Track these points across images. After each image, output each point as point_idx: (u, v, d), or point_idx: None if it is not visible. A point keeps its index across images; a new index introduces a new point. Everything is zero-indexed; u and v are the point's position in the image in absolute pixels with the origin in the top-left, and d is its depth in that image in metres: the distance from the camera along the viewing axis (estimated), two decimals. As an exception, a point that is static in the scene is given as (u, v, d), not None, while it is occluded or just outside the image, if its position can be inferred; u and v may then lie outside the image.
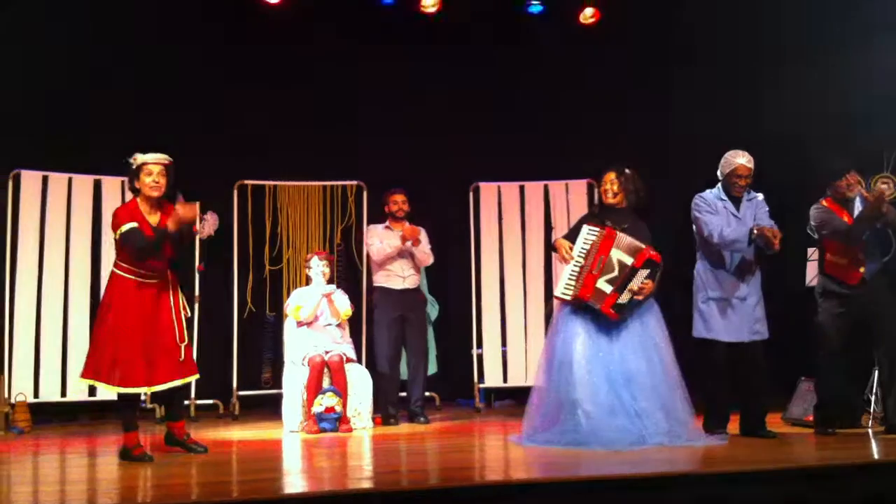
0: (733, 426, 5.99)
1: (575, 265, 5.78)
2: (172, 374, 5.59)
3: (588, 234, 5.81)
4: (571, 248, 5.81)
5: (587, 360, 5.66)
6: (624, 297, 5.68)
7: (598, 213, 6.02)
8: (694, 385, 5.86)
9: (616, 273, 5.68)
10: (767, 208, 6.03)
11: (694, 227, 6.04)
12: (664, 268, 5.80)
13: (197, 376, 5.86)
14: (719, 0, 8.32)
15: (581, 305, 5.78)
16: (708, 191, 6.07)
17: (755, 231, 5.78)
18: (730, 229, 5.85)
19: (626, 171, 5.91)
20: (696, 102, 8.44)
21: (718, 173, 6.07)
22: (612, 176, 5.91)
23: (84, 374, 5.56)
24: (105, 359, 5.45)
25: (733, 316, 5.91)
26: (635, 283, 5.68)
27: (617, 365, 5.65)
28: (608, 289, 5.68)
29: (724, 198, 6.01)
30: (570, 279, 5.79)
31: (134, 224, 5.48)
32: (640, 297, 5.71)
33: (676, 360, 5.77)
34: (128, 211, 5.60)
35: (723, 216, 5.94)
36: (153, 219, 5.58)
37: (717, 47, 8.49)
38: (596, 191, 6.26)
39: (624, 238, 5.73)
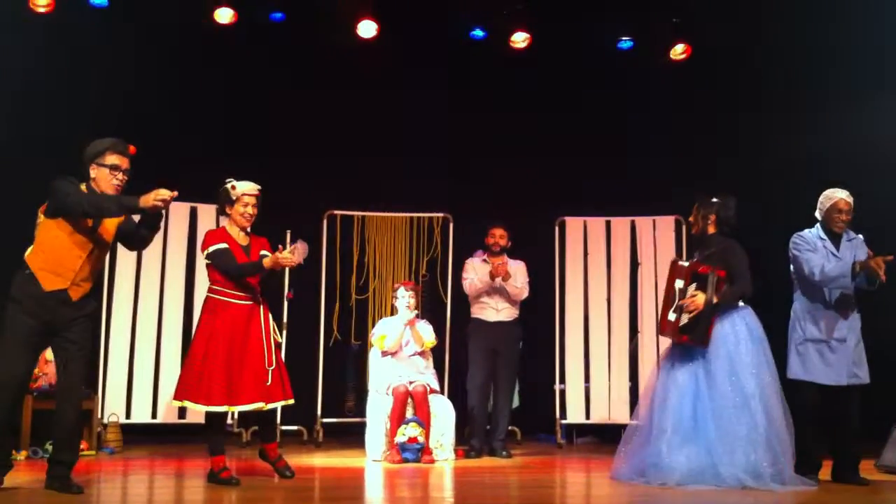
0: (825, 472, 5.82)
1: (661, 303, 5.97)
2: (256, 397, 5.60)
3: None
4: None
5: (678, 393, 5.65)
6: (683, 319, 5.70)
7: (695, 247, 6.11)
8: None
9: (678, 300, 5.75)
10: (867, 250, 5.85)
11: (792, 266, 5.90)
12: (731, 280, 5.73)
13: (288, 402, 5.82)
14: (811, 35, 8.23)
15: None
16: (807, 230, 5.94)
17: (858, 265, 5.63)
18: (830, 265, 5.70)
19: (702, 199, 5.94)
20: (784, 139, 8.31)
21: (817, 212, 5.94)
22: (694, 207, 6.00)
23: (175, 396, 5.67)
24: (193, 378, 5.56)
25: (832, 358, 5.75)
26: (686, 300, 5.70)
27: (705, 398, 5.59)
28: (673, 317, 5.73)
29: (824, 237, 5.86)
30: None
31: (224, 245, 5.64)
32: (691, 310, 5.67)
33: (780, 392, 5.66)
34: (217, 233, 5.77)
35: (822, 254, 5.79)
36: (242, 241, 5.73)
37: (808, 82, 8.40)
38: None
39: (681, 265, 5.81)
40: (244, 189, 5.71)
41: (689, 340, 5.68)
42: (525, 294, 7.57)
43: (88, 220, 5.01)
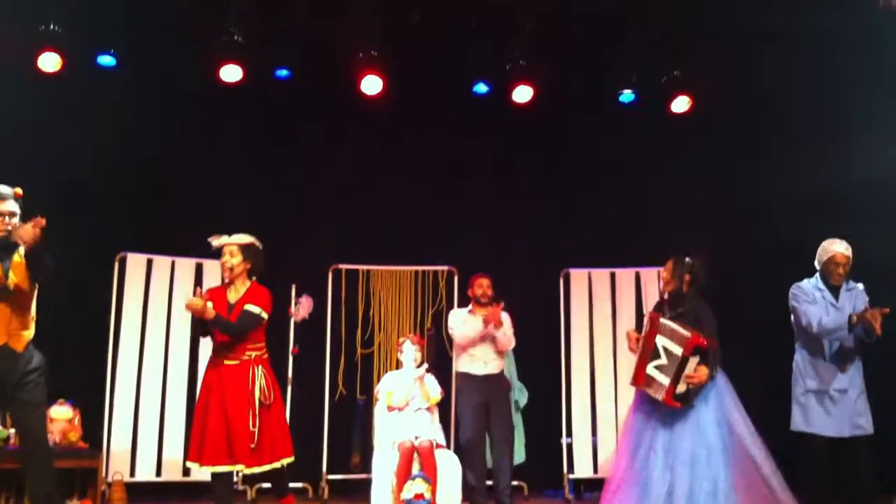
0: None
1: (638, 353, 5.97)
2: (238, 459, 5.53)
3: (645, 323, 6.01)
4: (639, 339, 5.97)
5: (648, 447, 5.78)
6: (681, 387, 5.74)
7: (661, 303, 6.17)
8: (793, 481, 5.69)
9: (665, 361, 5.77)
10: (867, 298, 5.86)
11: (792, 316, 5.92)
12: (718, 353, 5.80)
13: (275, 465, 5.78)
14: (809, 84, 8.30)
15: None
16: (806, 280, 5.96)
17: (854, 317, 5.63)
18: (828, 318, 5.71)
19: (677, 258, 6.02)
20: (790, 192, 8.33)
21: (816, 262, 5.95)
22: (667, 265, 6.09)
23: (188, 457, 5.70)
24: (194, 440, 5.61)
25: (833, 409, 5.74)
26: (689, 371, 5.73)
27: (677, 450, 5.71)
28: (664, 379, 5.74)
29: (822, 287, 5.88)
30: (635, 367, 5.96)
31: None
32: (696, 384, 5.73)
33: (756, 440, 5.69)
34: (211, 292, 5.82)
35: (821, 306, 5.80)
36: (233, 298, 5.72)
37: (813, 132, 8.44)
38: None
39: (667, 325, 5.81)
40: (218, 242, 5.78)
41: (681, 406, 5.76)
42: (512, 344, 7.49)
43: None
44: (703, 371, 5.71)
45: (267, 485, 6.55)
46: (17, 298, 5.02)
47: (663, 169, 8.89)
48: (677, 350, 5.73)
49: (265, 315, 5.74)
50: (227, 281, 5.79)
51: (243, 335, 5.65)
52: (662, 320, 5.87)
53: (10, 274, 4.98)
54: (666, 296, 6.15)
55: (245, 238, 5.78)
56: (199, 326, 5.68)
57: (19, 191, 5.15)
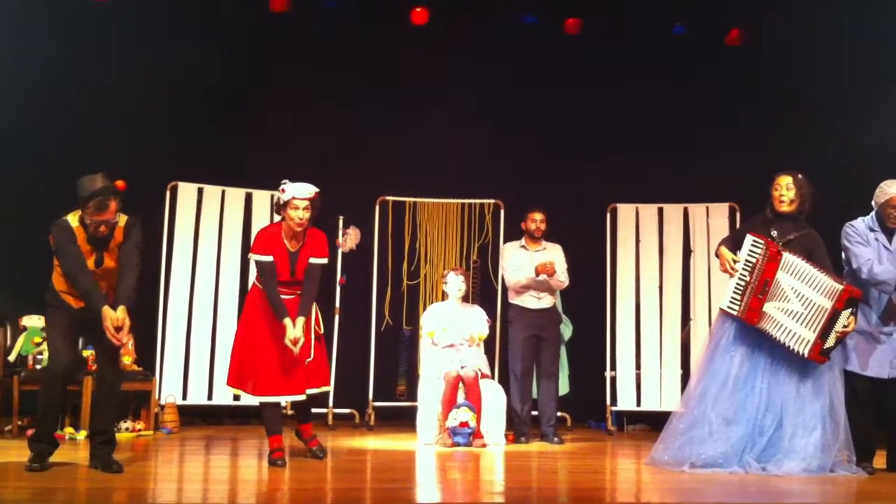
0: (880, 461, 5.76)
1: (740, 280, 5.55)
2: (296, 388, 5.65)
3: (752, 246, 5.54)
4: (735, 261, 5.60)
5: (742, 379, 5.57)
6: (830, 341, 5.43)
7: (766, 221, 5.71)
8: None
9: (799, 308, 5.41)
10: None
11: (843, 255, 5.81)
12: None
13: (323, 389, 5.91)
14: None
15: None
16: (860, 219, 5.78)
17: None
18: (881, 268, 5.54)
19: (800, 175, 5.66)
20: (851, 125, 8.14)
21: (873, 202, 5.79)
22: (787, 180, 5.64)
23: (227, 382, 5.80)
24: (239, 367, 5.67)
25: (876, 350, 5.64)
26: (839, 325, 5.42)
27: (769, 385, 5.55)
28: (805, 332, 5.40)
29: (877, 228, 5.71)
30: (735, 294, 5.57)
31: (269, 258, 5.56)
32: (843, 337, 5.48)
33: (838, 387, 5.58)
34: (268, 238, 5.61)
35: (874, 248, 5.67)
36: (293, 245, 5.63)
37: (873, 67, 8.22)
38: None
39: (794, 262, 5.45)
40: (293, 192, 5.51)
41: (827, 360, 5.50)
42: (566, 284, 7.53)
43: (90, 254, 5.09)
44: (853, 323, 5.44)
45: (314, 409, 6.61)
46: (108, 271, 5.15)
47: (713, 103, 8.76)
48: (823, 302, 5.37)
49: (326, 259, 5.81)
50: (294, 231, 5.58)
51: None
52: (788, 255, 5.45)
53: (104, 261, 5.12)
54: (767, 216, 5.67)
55: (312, 191, 5.56)
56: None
57: (122, 183, 5.21)
